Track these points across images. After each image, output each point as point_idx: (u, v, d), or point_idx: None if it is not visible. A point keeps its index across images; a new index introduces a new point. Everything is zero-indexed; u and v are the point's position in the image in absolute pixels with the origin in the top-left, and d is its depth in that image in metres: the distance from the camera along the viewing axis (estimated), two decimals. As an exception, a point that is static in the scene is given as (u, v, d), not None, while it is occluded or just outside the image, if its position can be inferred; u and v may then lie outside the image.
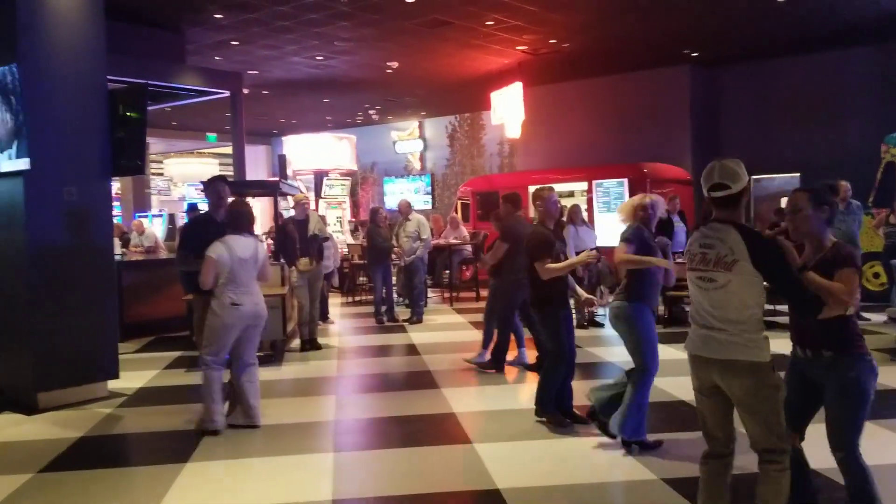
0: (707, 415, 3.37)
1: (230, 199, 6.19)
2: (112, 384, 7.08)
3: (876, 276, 11.22)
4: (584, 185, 14.69)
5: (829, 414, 3.38)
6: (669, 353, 8.17)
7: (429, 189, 21.79)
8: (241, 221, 5.71)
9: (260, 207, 18.46)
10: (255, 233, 6.09)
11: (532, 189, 15.81)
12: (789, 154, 14.63)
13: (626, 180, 13.91)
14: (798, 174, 14.44)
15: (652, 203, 5.13)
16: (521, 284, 7.61)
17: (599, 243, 10.76)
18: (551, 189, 5.84)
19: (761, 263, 3.09)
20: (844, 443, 3.33)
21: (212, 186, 6.40)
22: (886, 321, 9.69)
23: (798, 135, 14.61)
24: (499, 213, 8.16)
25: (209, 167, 25.52)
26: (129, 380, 7.39)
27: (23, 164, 6.42)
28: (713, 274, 3.18)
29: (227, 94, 12.71)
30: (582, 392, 5.66)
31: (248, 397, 5.71)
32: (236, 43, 12.78)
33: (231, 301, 5.46)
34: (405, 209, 11.35)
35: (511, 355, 7.80)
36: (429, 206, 21.02)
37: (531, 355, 7.71)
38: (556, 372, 5.59)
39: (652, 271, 4.98)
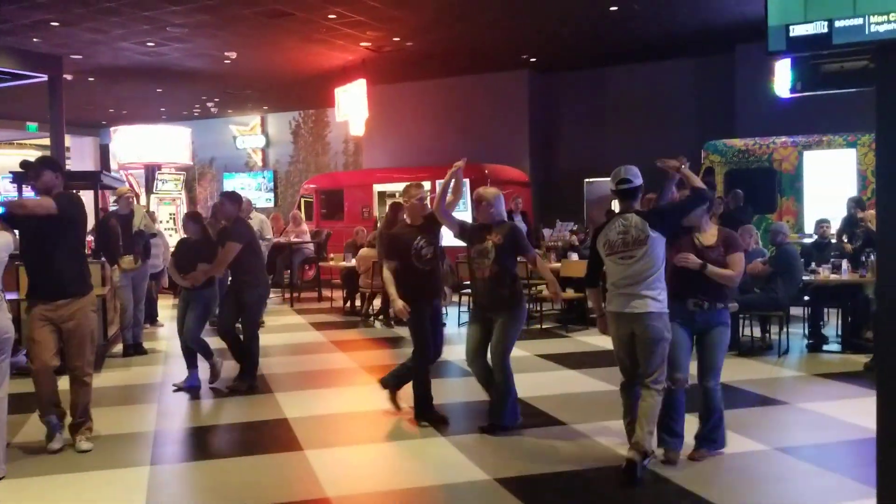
0: (625, 356, 4.48)
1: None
2: None
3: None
4: (427, 185, 14.69)
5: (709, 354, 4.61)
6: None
7: (271, 186, 21.16)
8: None
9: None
10: None
11: (378, 188, 15.68)
12: (617, 158, 15.22)
13: (467, 181, 14.06)
14: (627, 178, 15.18)
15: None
16: (262, 287, 6.91)
17: (444, 242, 10.76)
18: (420, 186, 5.73)
19: (655, 221, 4.34)
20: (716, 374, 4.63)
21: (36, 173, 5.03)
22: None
23: (627, 140, 15.36)
24: (194, 214, 7.28)
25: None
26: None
27: None
28: (633, 252, 4.31)
29: (44, 78, 11.69)
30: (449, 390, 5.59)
31: None
32: (56, 24, 11.75)
33: None
34: (246, 207, 10.88)
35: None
36: (271, 204, 20.41)
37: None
38: (424, 369, 5.51)
39: None
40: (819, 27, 2.72)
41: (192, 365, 6.84)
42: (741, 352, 7.92)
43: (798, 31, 2.77)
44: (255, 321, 6.97)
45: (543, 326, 9.76)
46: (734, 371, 7.08)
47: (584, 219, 15.00)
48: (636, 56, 14.83)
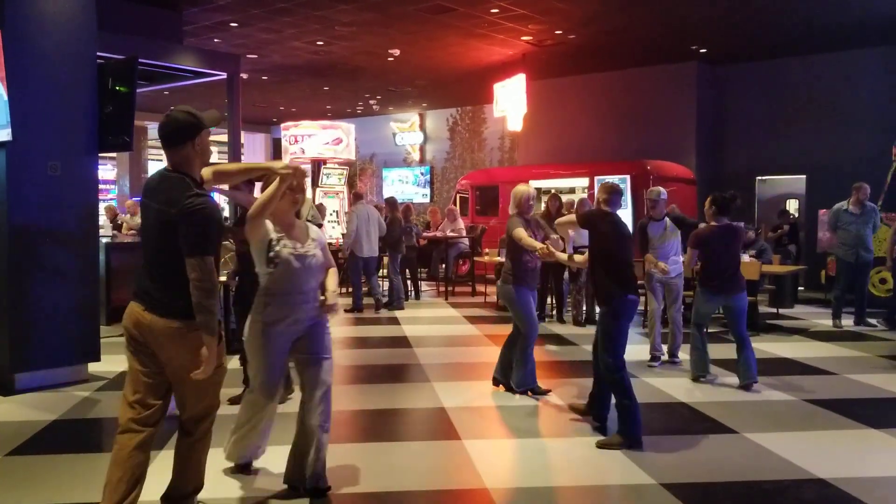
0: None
1: None
2: (93, 367, 6.84)
3: (882, 281, 10.98)
4: (585, 182, 14.44)
5: None
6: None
7: (427, 180, 21.56)
8: None
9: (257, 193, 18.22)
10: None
11: (534, 184, 15.47)
12: (794, 155, 14.36)
13: (628, 177, 13.66)
14: (803, 176, 14.19)
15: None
16: None
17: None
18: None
19: None
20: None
21: None
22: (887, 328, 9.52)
23: (804, 136, 14.34)
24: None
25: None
26: (112, 363, 7.12)
27: (4, 135, 6.18)
28: None
29: (223, 75, 12.42)
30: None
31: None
32: (235, 25, 12.51)
33: None
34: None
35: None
36: (427, 199, 20.79)
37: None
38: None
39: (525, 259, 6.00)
40: None
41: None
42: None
43: None
44: None
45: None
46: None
47: (755, 218, 14.14)
48: (819, 45, 13.76)
